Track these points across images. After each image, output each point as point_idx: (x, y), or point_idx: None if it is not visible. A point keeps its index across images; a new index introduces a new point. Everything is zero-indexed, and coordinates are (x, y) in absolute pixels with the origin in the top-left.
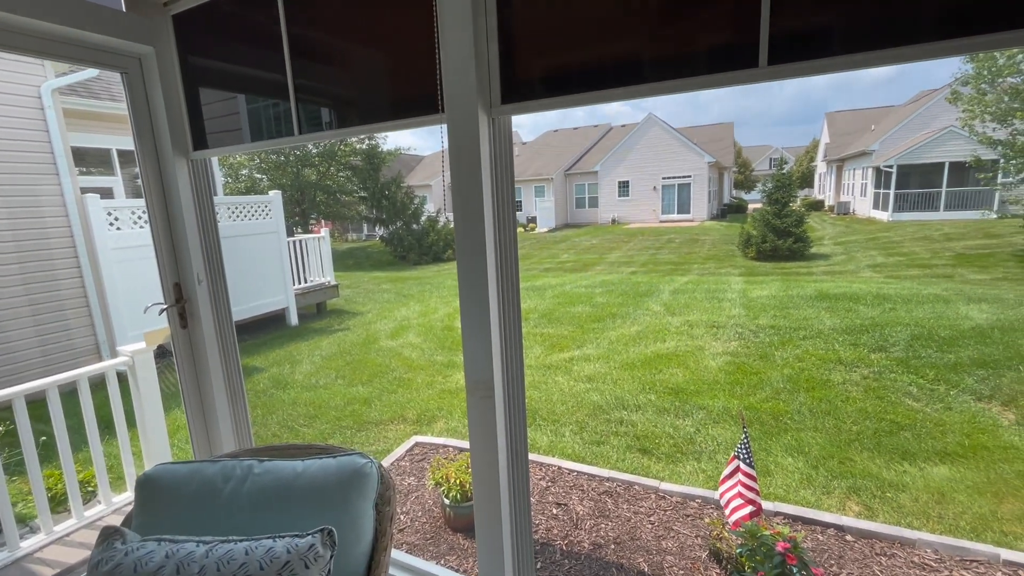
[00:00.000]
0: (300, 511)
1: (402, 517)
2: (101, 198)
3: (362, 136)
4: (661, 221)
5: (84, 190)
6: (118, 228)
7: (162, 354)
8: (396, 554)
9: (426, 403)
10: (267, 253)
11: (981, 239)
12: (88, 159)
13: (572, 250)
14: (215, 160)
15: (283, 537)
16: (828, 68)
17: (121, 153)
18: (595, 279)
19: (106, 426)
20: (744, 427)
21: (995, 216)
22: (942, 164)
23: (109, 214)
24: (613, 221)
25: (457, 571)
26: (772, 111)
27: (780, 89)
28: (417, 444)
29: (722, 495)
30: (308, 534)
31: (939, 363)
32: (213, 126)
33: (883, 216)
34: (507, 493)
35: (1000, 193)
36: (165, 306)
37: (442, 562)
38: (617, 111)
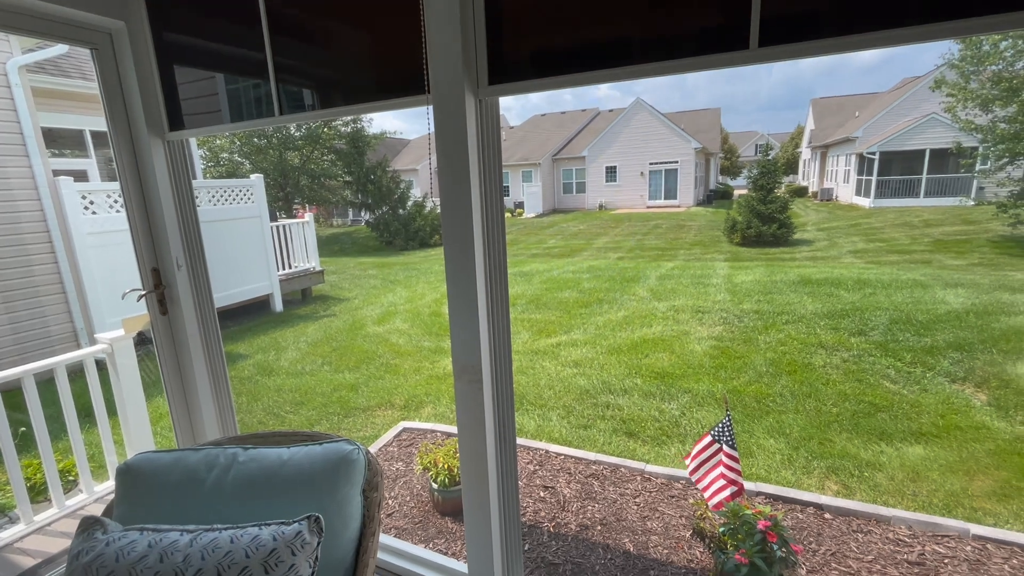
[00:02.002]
0: (286, 499)
1: (390, 502)
2: (75, 181)
3: (346, 119)
4: (648, 207)
5: (56, 172)
6: (93, 212)
7: (142, 341)
8: (384, 538)
9: (413, 389)
10: (250, 238)
11: (959, 225)
12: (60, 140)
13: (559, 236)
14: (194, 143)
15: (269, 525)
16: (818, 51)
17: (95, 134)
18: (582, 265)
19: (86, 415)
20: (727, 410)
21: (972, 203)
22: (923, 151)
23: (83, 197)
24: (600, 207)
25: (445, 554)
26: (759, 97)
27: (768, 75)
28: (405, 430)
29: (694, 473)
30: (295, 521)
31: (916, 346)
32: (190, 106)
33: (865, 203)
34: (495, 477)
35: (978, 180)
36: (143, 292)
37: (430, 545)
38: (606, 95)
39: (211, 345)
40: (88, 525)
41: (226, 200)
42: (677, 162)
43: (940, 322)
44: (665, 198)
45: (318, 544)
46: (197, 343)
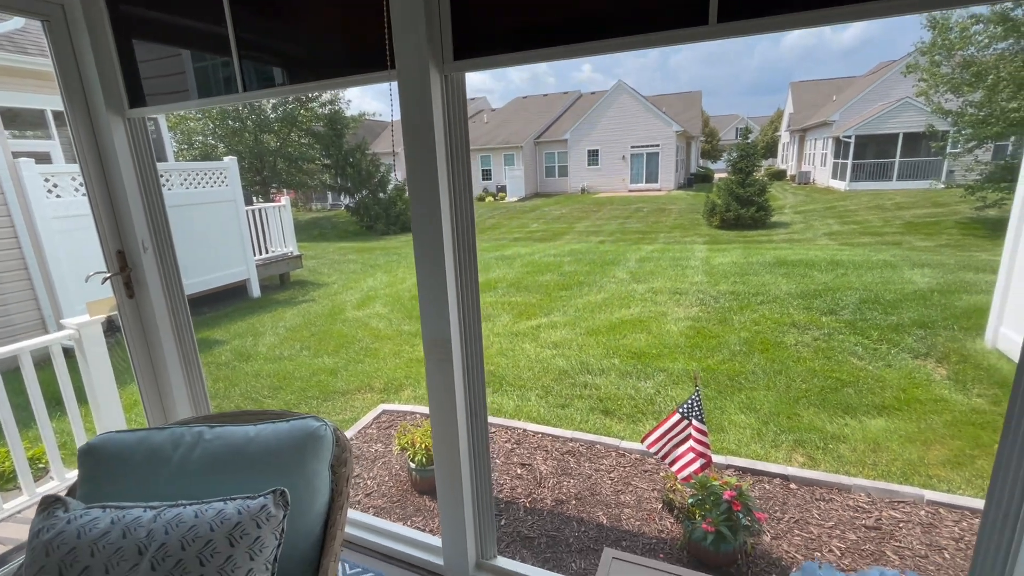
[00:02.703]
0: (253, 475)
1: (369, 482)
2: (37, 163)
3: (323, 100)
4: (630, 190)
5: (17, 154)
6: (58, 196)
7: (112, 329)
8: (363, 517)
9: (393, 372)
10: (224, 222)
11: (929, 208)
12: (19, 121)
13: (542, 219)
14: (164, 125)
15: (234, 499)
16: (778, 26)
17: (57, 114)
18: (564, 248)
19: (57, 403)
20: (697, 386)
21: (942, 186)
22: (897, 135)
23: (47, 180)
24: (583, 190)
25: (423, 531)
26: (741, 80)
27: (750, 57)
28: (384, 412)
29: (660, 450)
30: (260, 495)
31: (883, 324)
32: (152, 83)
33: (841, 186)
34: (467, 452)
35: (948, 163)
36: (108, 275)
37: (409, 523)
38: (588, 78)
39: (181, 328)
40: (49, 504)
41: (199, 183)
42: (658, 145)
43: (907, 301)
44: (647, 181)
45: (284, 517)
46: (167, 326)
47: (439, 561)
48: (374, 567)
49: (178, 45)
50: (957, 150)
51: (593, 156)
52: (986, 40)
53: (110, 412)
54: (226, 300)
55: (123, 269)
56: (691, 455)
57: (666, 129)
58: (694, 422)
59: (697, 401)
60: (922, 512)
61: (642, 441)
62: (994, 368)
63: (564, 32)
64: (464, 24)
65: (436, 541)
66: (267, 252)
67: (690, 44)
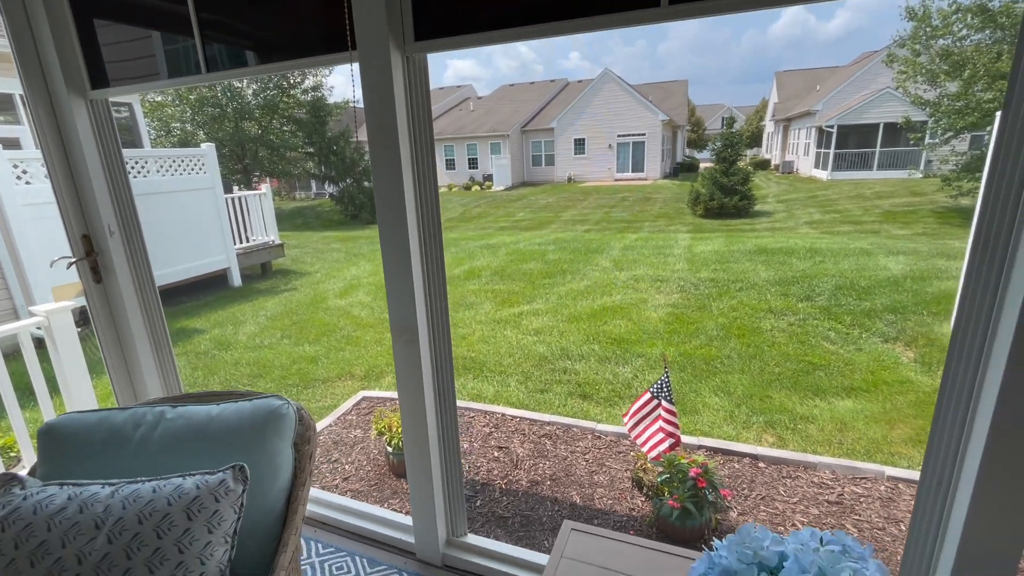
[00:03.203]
0: (214, 453)
1: (347, 467)
2: (5, 148)
3: (297, 80)
4: (616, 179)
5: None
6: (27, 182)
7: (85, 320)
8: (337, 499)
9: (375, 359)
10: (203, 210)
11: (907, 197)
12: None
13: (528, 208)
14: (139, 111)
15: (193, 475)
16: (729, 8)
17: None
18: (549, 237)
19: (30, 392)
20: (666, 367)
21: (920, 175)
22: (877, 125)
23: (15, 166)
24: (569, 179)
25: (399, 512)
26: (730, 69)
27: (737, 46)
28: (364, 398)
29: (633, 429)
30: (219, 471)
31: (856, 310)
32: (115, 65)
33: (823, 175)
34: (436, 433)
35: (926, 153)
36: (73, 259)
37: (386, 505)
38: (577, 66)
39: (151, 312)
40: (5, 481)
41: (176, 170)
42: (644, 134)
43: (880, 287)
44: (633, 171)
45: (243, 491)
46: (136, 311)
47: (410, 539)
48: (347, 547)
49: (140, 25)
50: (935, 140)
51: (580, 145)
52: (963, 30)
53: (83, 401)
54: (206, 289)
55: (89, 254)
56: (660, 435)
57: (652, 118)
58: (663, 402)
59: (666, 382)
60: (882, 487)
61: (623, 417)
62: None
63: (523, 14)
64: (424, 6)
65: (408, 520)
66: (248, 241)
67: (644, 26)
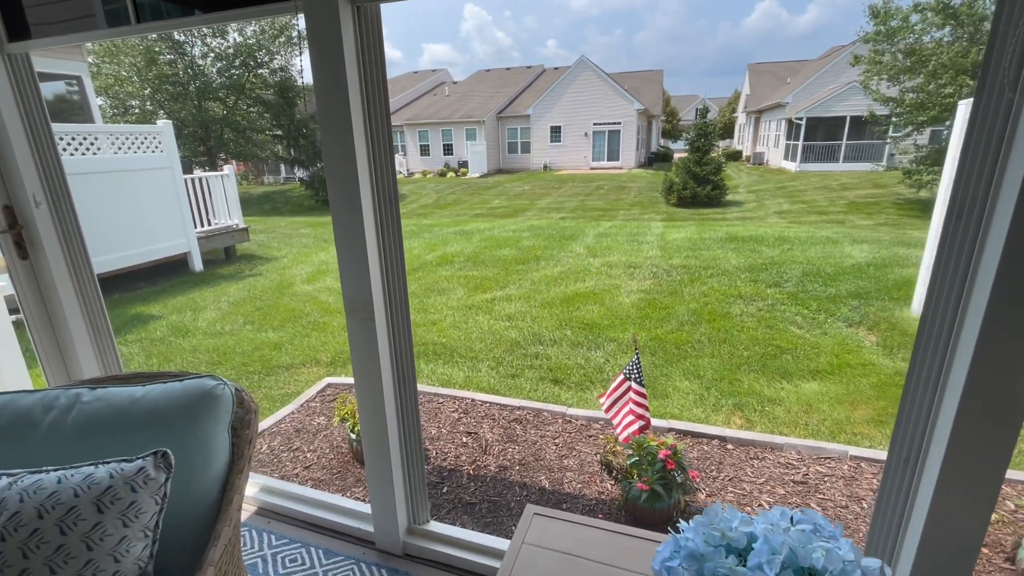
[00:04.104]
0: (136, 438)
1: (309, 455)
2: None
3: (273, 66)
4: (592, 168)
5: None
6: None
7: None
8: (291, 487)
9: (341, 345)
10: (160, 191)
11: (871, 189)
12: None
13: (503, 196)
14: (90, 86)
15: (108, 463)
16: None
17: None
18: (524, 224)
19: None
20: (636, 349)
21: (883, 168)
22: (844, 118)
23: None
24: (545, 167)
25: (364, 500)
26: (704, 60)
27: (712, 39)
28: (329, 385)
29: (611, 412)
30: (139, 458)
31: (822, 296)
32: (36, 12)
33: (792, 166)
34: (395, 417)
35: (889, 146)
36: None
37: (348, 494)
38: (554, 53)
39: (87, 293)
40: None
41: (130, 148)
42: (620, 123)
43: (844, 274)
44: (608, 159)
45: (166, 480)
46: (68, 290)
47: (369, 528)
48: (301, 538)
49: None
50: (897, 134)
51: (556, 133)
52: (923, 27)
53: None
54: (164, 274)
55: (12, 227)
56: (631, 417)
57: (628, 107)
58: (634, 385)
59: (637, 364)
60: (845, 467)
61: (598, 398)
62: None
63: None
64: None
65: (367, 508)
66: (210, 224)
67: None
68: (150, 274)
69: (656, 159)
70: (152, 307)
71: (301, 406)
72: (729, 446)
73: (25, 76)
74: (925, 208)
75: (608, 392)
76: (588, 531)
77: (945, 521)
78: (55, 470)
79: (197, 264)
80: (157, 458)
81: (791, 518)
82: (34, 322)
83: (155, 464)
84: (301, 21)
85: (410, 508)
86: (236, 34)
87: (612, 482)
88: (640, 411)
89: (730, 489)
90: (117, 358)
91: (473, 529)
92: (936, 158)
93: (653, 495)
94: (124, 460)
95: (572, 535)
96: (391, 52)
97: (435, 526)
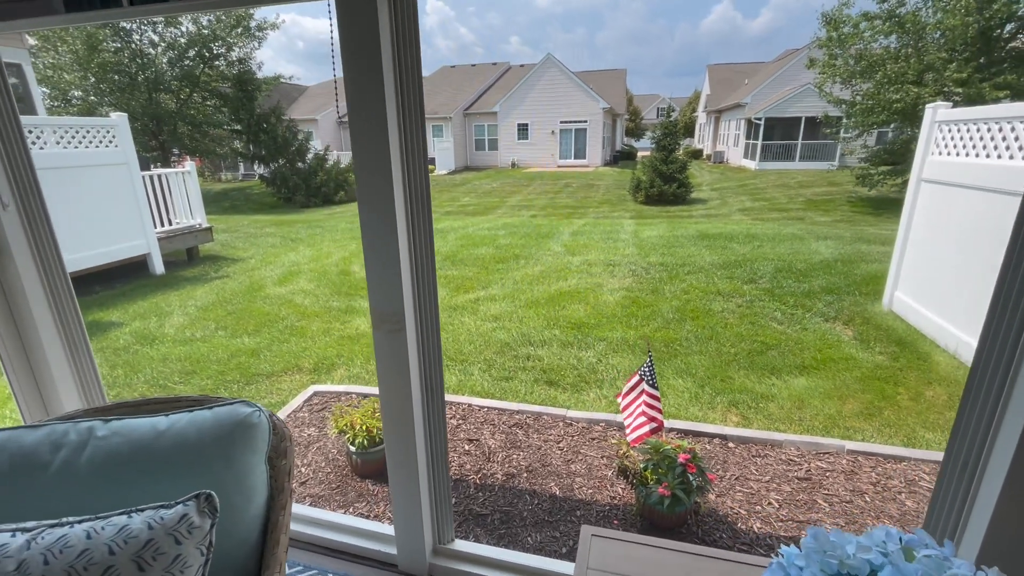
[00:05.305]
0: (166, 477)
1: (304, 470)
2: None
3: (231, 58)
4: (559, 166)
5: None
6: None
7: None
8: (298, 508)
9: (323, 351)
10: (115, 189)
11: (825, 187)
12: None
13: (473, 193)
14: (31, 75)
15: (142, 510)
16: None
17: None
18: (497, 222)
19: None
20: (649, 352)
21: (836, 167)
22: (800, 119)
23: None
24: (513, 164)
25: (368, 517)
26: (665, 61)
27: (671, 40)
28: (316, 394)
29: (625, 413)
30: (178, 502)
31: (797, 291)
32: None
33: (751, 165)
34: (422, 431)
35: (841, 147)
36: None
37: (351, 510)
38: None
39: (61, 303)
40: None
41: (80, 142)
42: (587, 121)
43: (815, 270)
44: (575, 157)
45: (211, 527)
46: (41, 300)
47: (391, 550)
48: (316, 563)
49: None
50: (848, 135)
51: (523, 130)
52: (871, 34)
53: None
54: (123, 277)
55: None
56: (643, 419)
57: (594, 105)
58: (646, 387)
59: (650, 366)
60: (843, 461)
61: (616, 397)
62: (891, 328)
63: None
64: None
65: (386, 529)
66: (171, 224)
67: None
68: (106, 277)
69: (621, 157)
70: (111, 312)
71: (288, 417)
72: (730, 444)
73: None
74: (876, 205)
75: (624, 392)
76: (655, 552)
77: (1007, 527)
78: (80, 522)
79: (158, 266)
80: (200, 502)
81: (900, 539)
82: (1, 336)
83: (198, 509)
84: (278, 10)
85: (435, 527)
86: (190, 23)
87: (623, 486)
88: (652, 413)
89: (738, 488)
90: (97, 378)
91: (488, 543)
92: (884, 158)
93: (674, 500)
94: (161, 506)
95: (639, 557)
96: None
97: (460, 544)
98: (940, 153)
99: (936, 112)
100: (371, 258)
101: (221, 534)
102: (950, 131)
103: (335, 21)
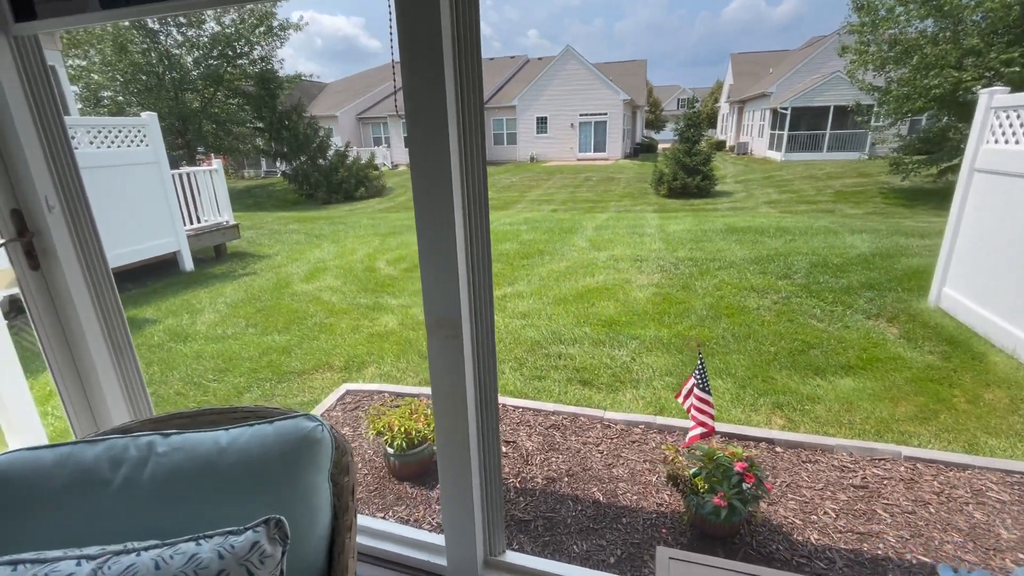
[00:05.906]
0: (230, 497)
1: None
2: None
3: (253, 56)
4: (578, 159)
5: None
6: None
7: (16, 311)
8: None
9: (353, 348)
10: (146, 188)
11: (855, 178)
12: None
13: (492, 188)
14: (64, 75)
15: (210, 537)
16: None
17: None
18: (518, 217)
19: None
20: (699, 353)
21: (867, 157)
22: (828, 108)
23: None
24: (532, 159)
25: (408, 521)
26: (683, 51)
27: (691, 29)
28: (348, 392)
29: (689, 410)
30: (248, 528)
31: (835, 287)
32: None
33: (777, 156)
34: (475, 439)
35: (872, 136)
36: (2, 241)
37: (390, 513)
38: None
39: (107, 307)
40: None
41: (113, 142)
42: (606, 114)
43: (852, 265)
44: (595, 151)
45: (283, 555)
46: (87, 304)
47: (441, 561)
48: (362, 571)
49: None
50: (881, 124)
51: (542, 124)
52: (907, 18)
53: (19, 409)
54: (154, 275)
55: (22, 234)
56: (692, 422)
57: (614, 97)
58: (696, 390)
59: (701, 369)
60: (901, 468)
61: (676, 397)
62: (940, 326)
63: None
64: None
65: (433, 538)
66: (199, 221)
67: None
68: (138, 275)
69: (641, 150)
70: (145, 310)
71: (322, 416)
72: (778, 449)
73: (35, 63)
74: (910, 196)
75: (683, 394)
76: None
77: None
78: (146, 549)
79: (188, 263)
80: (270, 528)
81: None
82: (49, 342)
83: (268, 536)
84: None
85: (487, 537)
86: (214, 23)
87: (669, 492)
88: (702, 417)
89: (790, 496)
90: (142, 383)
91: (533, 552)
92: (919, 148)
93: (731, 510)
94: (230, 532)
95: None
96: (369, 42)
97: (512, 556)
98: (996, 141)
99: (992, 98)
100: (427, 264)
101: (288, 560)
102: (1008, 117)
103: (394, 22)
